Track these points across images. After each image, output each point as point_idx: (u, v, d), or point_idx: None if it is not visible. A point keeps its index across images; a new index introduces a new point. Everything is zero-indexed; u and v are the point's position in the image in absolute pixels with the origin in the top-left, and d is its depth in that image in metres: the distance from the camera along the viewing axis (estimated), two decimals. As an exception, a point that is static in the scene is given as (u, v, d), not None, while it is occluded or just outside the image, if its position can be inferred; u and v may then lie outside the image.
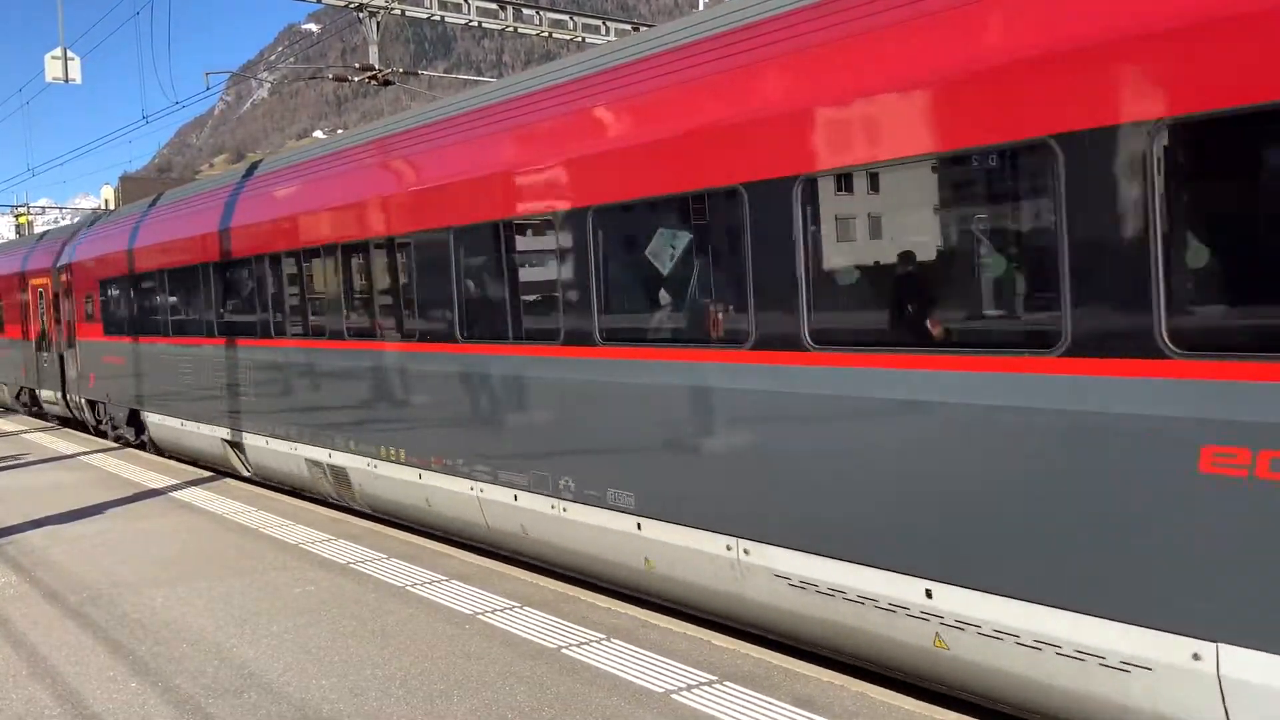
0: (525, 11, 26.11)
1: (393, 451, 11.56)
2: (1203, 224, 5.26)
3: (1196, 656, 5.12)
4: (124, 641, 8.00)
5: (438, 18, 24.95)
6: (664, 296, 8.30)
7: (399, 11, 24.58)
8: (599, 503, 8.66)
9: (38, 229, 56.71)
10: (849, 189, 6.78)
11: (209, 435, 16.53)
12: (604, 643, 7.57)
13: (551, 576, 9.66)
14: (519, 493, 9.61)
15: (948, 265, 6.42)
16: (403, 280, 11.26)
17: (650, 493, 8.18)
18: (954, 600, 6.15)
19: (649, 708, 6.32)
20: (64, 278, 23.44)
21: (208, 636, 8.04)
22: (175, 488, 15.09)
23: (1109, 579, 5.43)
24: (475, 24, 25.37)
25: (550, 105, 9.34)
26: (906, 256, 6.55)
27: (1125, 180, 5.23)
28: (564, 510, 9.07)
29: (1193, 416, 5.05)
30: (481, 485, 10.13)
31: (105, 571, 10.20)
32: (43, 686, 7.09)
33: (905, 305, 6.64)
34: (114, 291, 20.29)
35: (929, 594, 6.27)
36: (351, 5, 23.87)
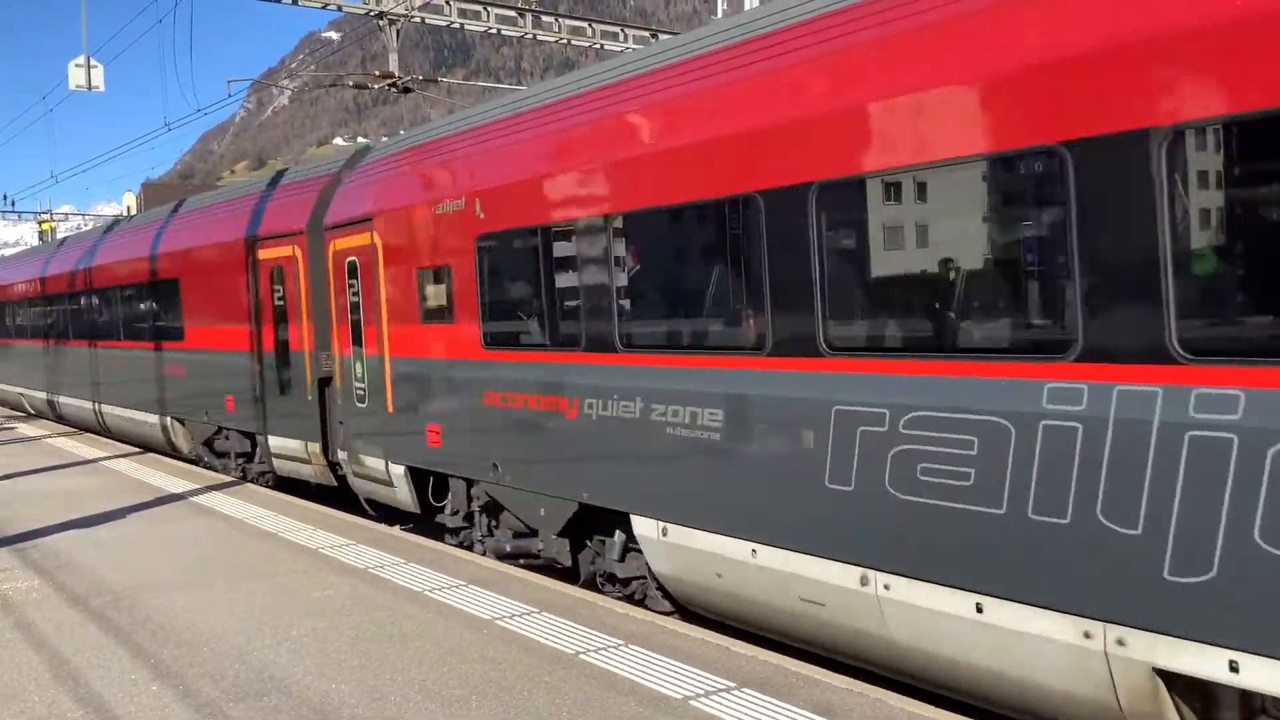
0: (544, 19, 26.21)
1: None
2: None
3: None
4: (146, 645, 8.05)
5: (457, 25, 25.08)
6: None
7: (418, 19, 24.71)
8: None
9: (60, 235, 57.08)
10: None
11: None
12: (622, 648, 7.57)
13: (569, 582, 9.68)
14: None
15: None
16: None
17: None
18: None
19: (668, 714, 6.32)
20: None
21: (229, 640, 8.09)
22: (195, 492, 15.19)
23: None
24: (494, 31, 25.51)
25: None
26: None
27: None
28: None
29: None
30: None
31: (127, 575, 10.28)
32: (65, 689, 7.14)
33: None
34: None
35: None
36: (372, 13, 24.00)
